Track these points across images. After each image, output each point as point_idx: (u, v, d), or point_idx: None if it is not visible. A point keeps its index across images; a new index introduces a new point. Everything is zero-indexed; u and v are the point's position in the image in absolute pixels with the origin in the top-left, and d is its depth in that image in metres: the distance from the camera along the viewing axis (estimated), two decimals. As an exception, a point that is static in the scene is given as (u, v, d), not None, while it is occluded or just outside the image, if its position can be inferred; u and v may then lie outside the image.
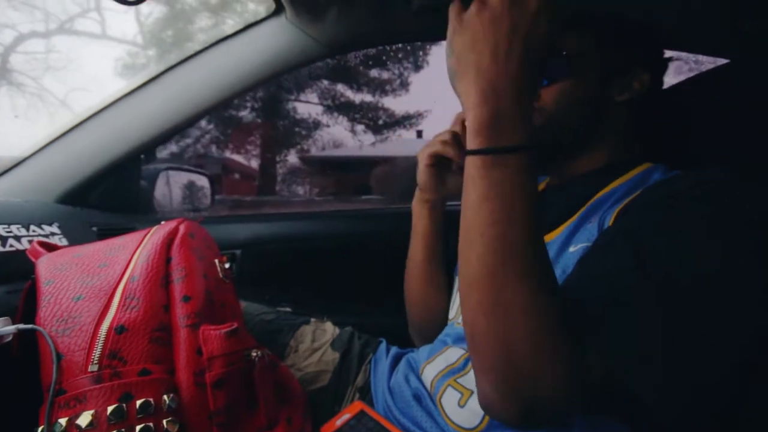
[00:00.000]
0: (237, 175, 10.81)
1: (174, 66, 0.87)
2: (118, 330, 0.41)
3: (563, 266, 0.50)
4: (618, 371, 0.37)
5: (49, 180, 0.84)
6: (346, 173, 10.96)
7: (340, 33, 0.81)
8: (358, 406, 0.59)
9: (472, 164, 0.40)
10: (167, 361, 0.43)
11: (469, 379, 0.56)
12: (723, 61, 0.85)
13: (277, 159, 10.05)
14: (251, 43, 0.83)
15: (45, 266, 0.47)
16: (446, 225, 0.67)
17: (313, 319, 0.80)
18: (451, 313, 0.70)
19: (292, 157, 10.32)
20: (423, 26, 0.81)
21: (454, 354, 0.61)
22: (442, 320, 0.75)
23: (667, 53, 0.66)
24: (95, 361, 0.39)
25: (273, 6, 0.80)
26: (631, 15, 0.62)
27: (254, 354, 0.48)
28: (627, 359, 0.37)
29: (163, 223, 0.59)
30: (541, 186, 0.71)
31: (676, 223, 0.40)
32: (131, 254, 0.50)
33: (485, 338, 0.38)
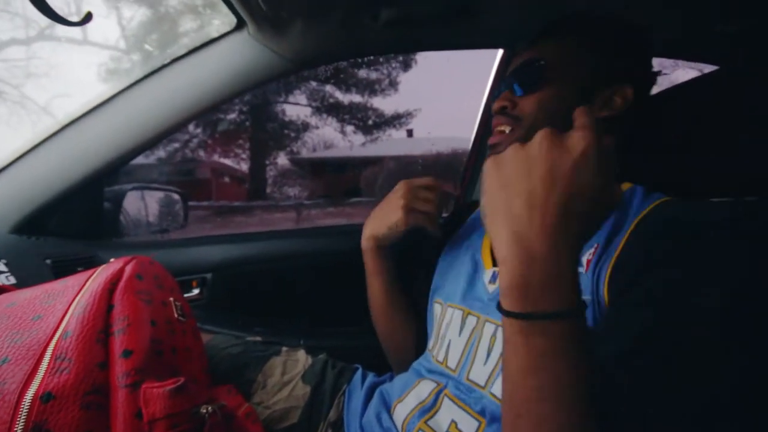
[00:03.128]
0: (226, 179, 10.72)
1: (133, 84, 0.82)
2: (44, 398, 0.37)
3: None
4: None
5: (1, 209, 0.79)
6: (335, 174, 10.91)
7: (305, 48, 0.77)
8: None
9: (508, 326, 0.34)
10: (102, 428, 0.39)
11: (440, 421, 0.54)
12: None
13: (267, 162, 9.99)
14: (212, 59, 0.79)
15: (-30, 323, 0.43)
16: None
17: (284, 349, 0.76)
18: (430, 344, 0.67)
19: (281, 160, 10.27)
20: (392, 39, 0.78)
21: (425, 388, 0.58)
22: (413, 351, 0.72)
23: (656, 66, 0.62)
24: (16, 437, 0.35)
25: (234, 21, 0.76)
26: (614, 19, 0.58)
27: (204, 410, 0.44)
28: None
29: (112, 260, 0.55)
30: None
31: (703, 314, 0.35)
32: (69, 303, 0.46)
33: None
